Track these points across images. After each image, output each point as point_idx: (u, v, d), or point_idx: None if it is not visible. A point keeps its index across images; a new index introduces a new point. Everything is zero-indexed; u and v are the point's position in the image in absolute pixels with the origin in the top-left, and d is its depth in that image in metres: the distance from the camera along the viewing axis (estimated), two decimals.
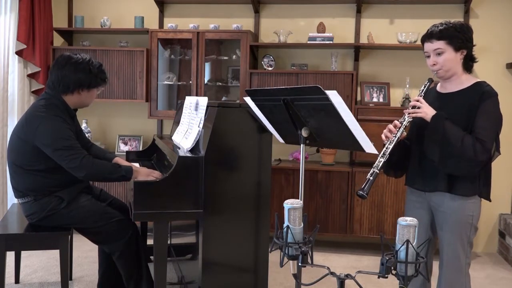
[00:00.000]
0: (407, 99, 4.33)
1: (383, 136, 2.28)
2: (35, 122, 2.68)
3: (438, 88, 2.40)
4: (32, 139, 2.67)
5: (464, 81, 2.29)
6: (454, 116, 2.19)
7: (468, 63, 2.32)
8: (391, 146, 2.21)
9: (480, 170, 2.21)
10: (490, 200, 2.31)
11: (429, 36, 2.26)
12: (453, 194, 2.23)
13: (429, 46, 2.26)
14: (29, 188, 2.75)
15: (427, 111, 2.20)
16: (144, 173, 2.76)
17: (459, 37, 2.23)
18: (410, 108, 2.26)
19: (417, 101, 2.25)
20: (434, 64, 2.25)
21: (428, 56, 2.28)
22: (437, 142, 2.16)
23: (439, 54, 2.24)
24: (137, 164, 3.24)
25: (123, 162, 3.00)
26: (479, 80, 2.31)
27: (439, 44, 2.23)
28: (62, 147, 2.64)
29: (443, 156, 2.16)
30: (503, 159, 4.44)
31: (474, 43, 2.36)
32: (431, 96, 2.35)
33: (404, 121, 2.25)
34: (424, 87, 2.33)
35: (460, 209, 2.23)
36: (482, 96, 2.20)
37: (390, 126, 2.27)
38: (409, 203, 2.47)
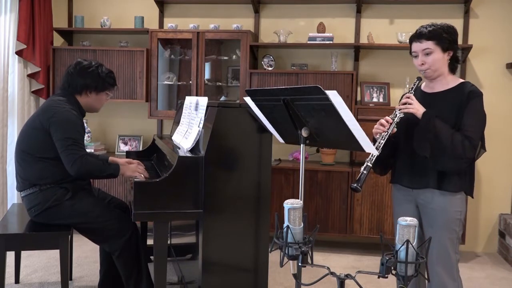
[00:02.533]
0: None
1: (374, 131, 2.33)
2: (52, 109, 2.79)
3: (423, 88, 2.45)
4: (47, 125, 2.75)
5: (450, 82, 2.36)
6: (441, 115, 2.25)
7: (454, 64, 2.38)
8: (383, 141, 2.26)
9: (467, 167, 2.28)
10: (472, 197, 2.39)
11: (418, 36, 2.31)
12: (442, 190, 2.29)
13: (418, 46, 2.31)
14: (37, 177, 2.79)
15: (418, 108, 2.27)
16: (130, 170, 2.87)
17: (447, 38, 2.29)
18: (401, 105, 2.32)
19: (408, 97, 2.31)
20: (423, 64, 2.31)
21: (416, 56, 2.34)
22: (428, 139, 2.22)
23: (427, 54, 2.29)
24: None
25: (117, 160, 3.07)
26: (463, 80, 2.38)
27: (428, 44, 2.28)
28: (69, 137, 2.72)
29: (434, 152, 2.22)
30: (503, 159, 4.45)
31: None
32: (417, 95, 2.39)
33: (395, 117, 2.30)
34: (414, 85, 2.39)
35: (449, 205, 2.30)
36: (469, 96, 2.26)
37: (382, 121, 2.32)
38: (396, 200, 2.53)
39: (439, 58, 2.29)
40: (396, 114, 2.30)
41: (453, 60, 2.35)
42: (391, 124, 2.29)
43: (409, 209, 2.42)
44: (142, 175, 2.86)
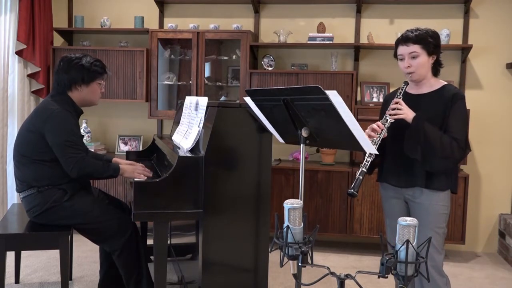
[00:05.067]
0: None
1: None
2: (46, 112, 2.75)
3: (408, 89, 2.51)
4: (41, 129, 2.72)
5: (434, 84, 2.44)
6: (428, 116, 2.32)
7: (437, 68, 2.47)
8: (376, 146, 2.31)
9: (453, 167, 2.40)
10: (456, 193, 2.49)
11: (405, 40, 2.40)
12: (430, 189, 2.37)
13: (404, 50, 2.40)
14: (34, 178, 2.77)
15: (408, 113, 2.34)
16: (129, 171, 2.84)
17: (432, 42, 2.38)
18: (391, 110, 2.37)
19: (397, 103, 2.37)
20: (409, 67, 2.39)
21: (402, 59, 2.43)
22: (418, 142, 2.29)
23: (414, 57, 2.38)
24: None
25: (119, 161, 3.06)
26: (446, 82, 2.45)
27: (415, 48, 2.37)
28: (66, 141, 2.69)
29: (424, 154, 2.30)
30: (503, 159, 4.45)
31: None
32: (403, 97, 2.43)
33: (386, 122, 2.37)
34: (402, 89, 2.45)
35: (436, 200, 2.38)
36: (453, 98, 2.34)
37: (374, 126, 2.38)
38: (384, 198, 2.60)
39: (424, 61, 2.38)
40: (387, 119, 2.36)
41: (436, 64, 2.44)
42: (382, 129, 2.35)
43: (397, 204, 2.51)
44: (142, 175, 2.83)
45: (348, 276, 1.68)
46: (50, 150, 2.73)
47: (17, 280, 3.39)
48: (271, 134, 2.62)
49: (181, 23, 4.76)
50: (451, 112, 2.32)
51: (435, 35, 2.40)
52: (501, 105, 4.40)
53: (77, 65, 2.84)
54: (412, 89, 2.49)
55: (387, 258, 1.61)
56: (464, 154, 2.36)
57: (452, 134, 2.29)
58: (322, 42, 4.39)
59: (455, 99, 2.33)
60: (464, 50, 4.32)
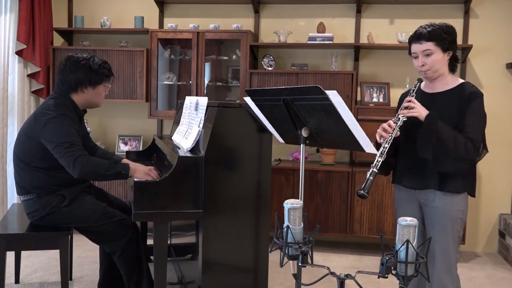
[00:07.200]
0: None
1: (377, 136, 2.30)
2: (43, 119, 2.70)
3: (423, 87, 2.44)
4: (38, 136, 2.69)
5: (450, 82, 2.34)
6: (442, 115, 2.23)
7: (453, 64, 2.36)
8: (388, 146, 2.22)
9: (470, 168, 2.29)
10: (474, 196, 2.38)
11: (417, 37, 2.29)
12: (445, 191, 2.28)
13: (418, 47, 2.29)
14: (33, 185, 2.76)
15: (421, 111, 2.24)
16: (142, 172, 2.75)
17: (446, 38, 2.27)
18: (403, 108, 2.29)
19: (410, 101, 2.28)
20: (423, 65, 2.29)
21: (416, 57, 2.32)
22: (431, 141, 2.20)
23: (428, 55, 2.27)
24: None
25: (128, 162, 3.00)
26: (463, 80, 2.37)
27: (428, 46, 2.26)
28: (62, 143, 2.63)
29: (437, 155, 2.21)
30: (503, 159, 4.45)
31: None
32: (417, 95, 2.37)
33: (398, 121, 2.27)
34: (415, 87, 2.37)
35: (451, 204, 2.28)
36: (470, 97, 2.24)
37: (385, 125, 2.29)
38: (398, 201, 2.51)
39: (439, 58, 2.27)
40: (399, 118, 2.27)
41: (452, 60, 2.34)
42: (394, 128, 2.26)
43: (411, 209, 2.41)
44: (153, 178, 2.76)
45: (348, 276, 1.68)
46: (48, 158, 2.69)
47: (17, 280, 3.39)
48: (271, 134, 2.62)
49: (181, 23, 4.76)
50: (467, 111, 2.21)
51: (450, 30, 2.28)
52: (501, 105, 4.40)
53: (86, 66, 2.78)
54: (426, 87, 2.41)
55: (387, 258, 1.61)
56: (480, 155, 2.27)
57: (467, 133, 2.19)
58: (322, 42, 4.39)
59: (472, 98, 2.23)
60: (464, 50, 4.32)
